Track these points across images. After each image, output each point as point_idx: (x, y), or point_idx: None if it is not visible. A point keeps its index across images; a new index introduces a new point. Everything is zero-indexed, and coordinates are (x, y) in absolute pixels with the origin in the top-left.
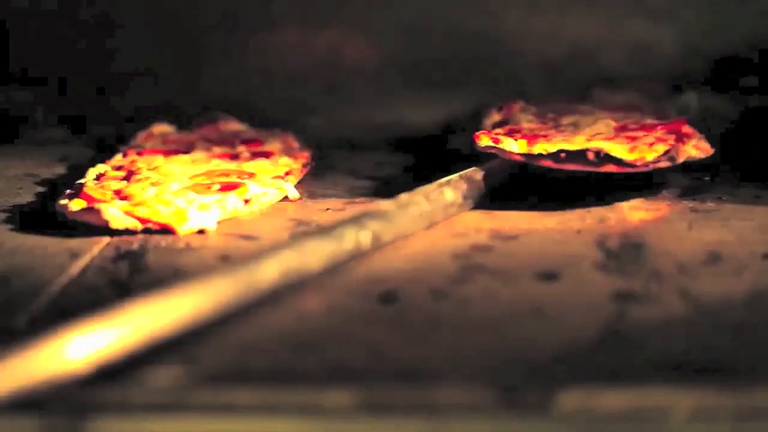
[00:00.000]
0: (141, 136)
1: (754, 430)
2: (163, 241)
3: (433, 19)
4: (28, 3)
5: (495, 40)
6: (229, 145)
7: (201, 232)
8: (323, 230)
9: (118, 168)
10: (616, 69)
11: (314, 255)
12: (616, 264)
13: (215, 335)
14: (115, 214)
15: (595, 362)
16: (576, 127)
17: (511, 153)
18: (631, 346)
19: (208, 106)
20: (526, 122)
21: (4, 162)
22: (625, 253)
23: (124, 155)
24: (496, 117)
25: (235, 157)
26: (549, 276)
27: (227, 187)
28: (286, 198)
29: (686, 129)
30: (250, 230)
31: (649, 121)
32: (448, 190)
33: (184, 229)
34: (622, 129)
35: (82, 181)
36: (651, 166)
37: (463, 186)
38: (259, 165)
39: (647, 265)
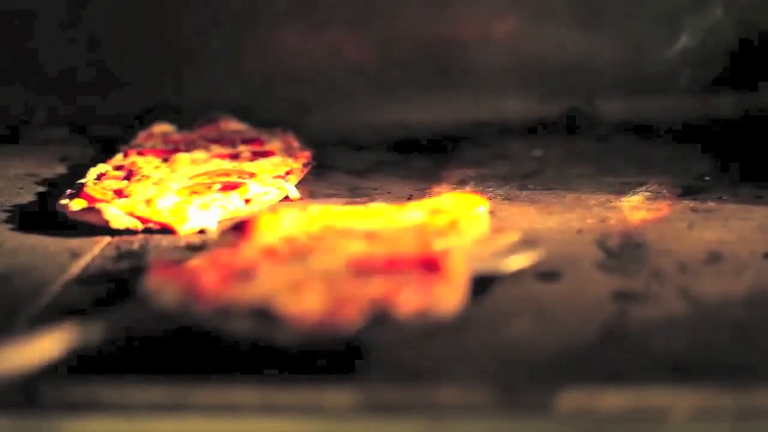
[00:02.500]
0: (142, 135)
1: (755, 430)
2: (163, 240)
3: (432, 20)
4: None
5: (495, 41)
6: (229, 145)
7: (202, 231)
8: None
9: (119, 168)
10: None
11: None
12: (616, 264)
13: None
14: (115, 214)
15: (595, 362)
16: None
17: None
18: (631, 345)
19: (208, 106)
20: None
21: (5, 162)
22: (626, 252)
23: (125, 155)
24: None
25: (235, 156)
26: (550, 275)
27: (228, 187)
28: (286, 198)
29: (448, 266)
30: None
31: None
32: None
33: (185, 228)
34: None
35: (82, 180)
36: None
37: None
38: (259, 165)
39: (648, 264)
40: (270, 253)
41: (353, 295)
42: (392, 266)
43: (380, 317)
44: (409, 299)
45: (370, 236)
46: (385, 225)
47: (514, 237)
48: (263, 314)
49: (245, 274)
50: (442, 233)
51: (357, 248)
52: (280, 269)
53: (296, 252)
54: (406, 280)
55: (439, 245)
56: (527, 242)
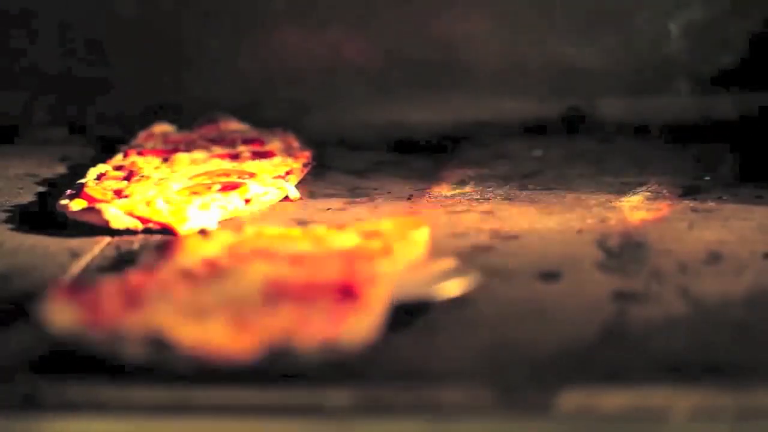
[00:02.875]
0: (142, 135)
1: (755, 430)
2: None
3: (433, 20)
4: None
5: (495, 41)
6: (229, 145)
7: (202, 232)
8: None
9: (119, 168)
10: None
11: None
12: (616, 264)
13: None
14: (115, 214)
15: (595, 362)
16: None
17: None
18: (631, 345)
19: (208, 106)
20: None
21: (5, 162)
22: (626, 252)
23: (125, 155)
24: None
25: (235, 156)
26: (550, 276)
27: (228, 187)
28: (286, 198)
29: (365, 297)
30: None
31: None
32: None
33: (185, 229)
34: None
35: (82, 181)
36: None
37: None
38: (259, 165)
39: (648, 264)
40: (187, 275)
41: (257, 325)
42: (308, 293)
43: (281, 349)
44: (314, 331)
45: (295, 260)
46: (317, 248)
47: (448, 263)
48: (158, 341)
49: (152, 297)
50: (373, 258)
51: (278, 272)
52: (190, 293)
53: (214, 275)
54: (318, 309)
55: (367, 271)
56: (461, 269)
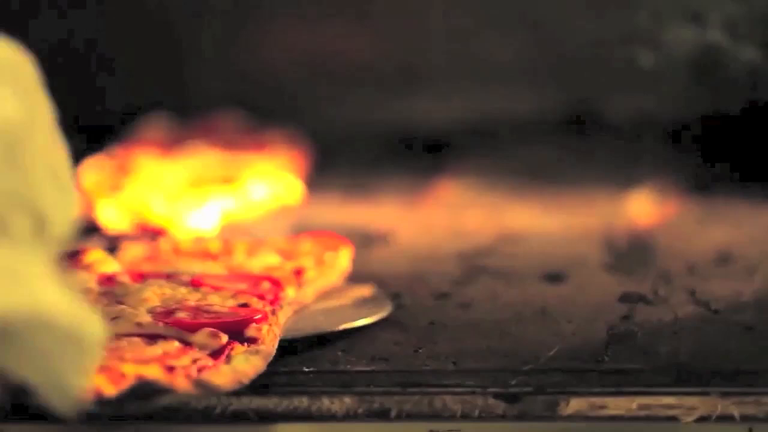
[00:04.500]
0: (139, 132)
1: None
2: (160, 240)
3: (433, 18)
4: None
5: (497, 40)
6: (229, 144)
7: (199, 232)
8: None
9: (115, 166)
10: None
11: None
12: (623, 265)
13: None
14: (110, 213)
15: (602, 365)
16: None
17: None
18: (639, 348)
19: (208, 104)
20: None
21: None
22: (633, 253)
23: (122, 152)
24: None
25: (234, 155)
26: (555, 277)
27: (226, 186)
28: (286, 197)
29: (253, 331)
30: (249, 230)
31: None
32: None
33: (182, 228)
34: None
35: (77, 178)
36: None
37: None
38: (259, 164)
39: (655, 266)
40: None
41: (128, 360)
42: (194, 326)
43: (144, 390)
44: (189, 370)
45: (197, 282)
46: (226, 268)
47: (365, 291)
48: None
49: None
50: (282, 283)
51: (173, 296)
52: None
53: (106, 295)
54: (199, 345)
55: (269, 299)
56: (377, 297)
